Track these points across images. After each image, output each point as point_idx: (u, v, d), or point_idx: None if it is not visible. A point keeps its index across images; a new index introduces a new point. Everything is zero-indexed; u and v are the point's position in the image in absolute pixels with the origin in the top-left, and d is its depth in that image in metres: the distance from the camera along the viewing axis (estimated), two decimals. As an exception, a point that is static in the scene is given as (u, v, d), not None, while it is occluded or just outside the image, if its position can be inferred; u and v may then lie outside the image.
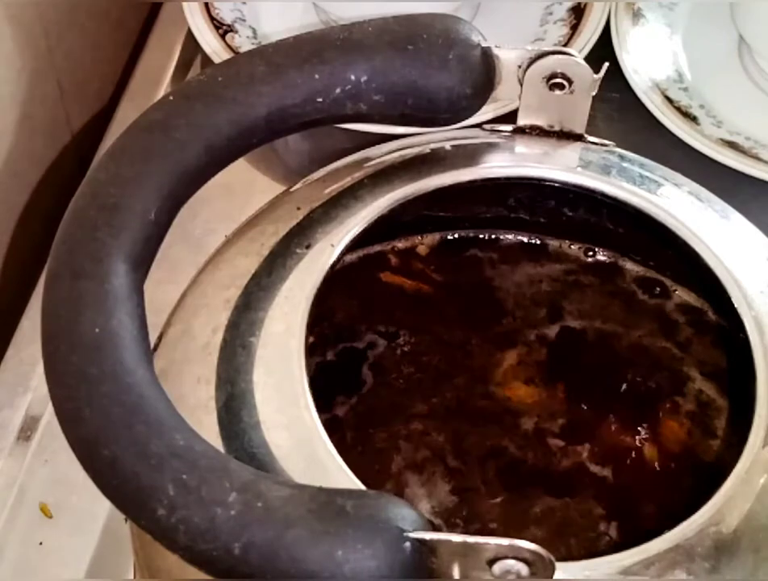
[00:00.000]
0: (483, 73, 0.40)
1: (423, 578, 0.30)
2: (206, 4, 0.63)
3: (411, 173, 0.41)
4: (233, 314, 0.38)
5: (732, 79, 0.62)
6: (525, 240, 0.46)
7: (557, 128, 0.43)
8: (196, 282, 0.41)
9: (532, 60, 0.40)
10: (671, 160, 0.45)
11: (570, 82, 0.41)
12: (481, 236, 0.46)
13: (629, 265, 0.46)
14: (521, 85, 0.41)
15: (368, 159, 0.43)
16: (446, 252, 0.47)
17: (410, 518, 0.30)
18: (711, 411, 0.43)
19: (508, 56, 0.41)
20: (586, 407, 0.43)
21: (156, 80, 0.65)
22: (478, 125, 0.45)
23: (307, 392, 0.35)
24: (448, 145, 0.43)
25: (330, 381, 0.44)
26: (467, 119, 0.41)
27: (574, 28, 0.61)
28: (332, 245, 0.39)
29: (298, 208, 0.41)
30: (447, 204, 0.44)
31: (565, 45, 0.60)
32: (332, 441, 0.34)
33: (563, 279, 0.46)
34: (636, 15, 0.62)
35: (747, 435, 0.35)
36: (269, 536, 0.29)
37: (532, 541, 0.29)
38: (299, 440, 0.35)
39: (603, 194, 0.41)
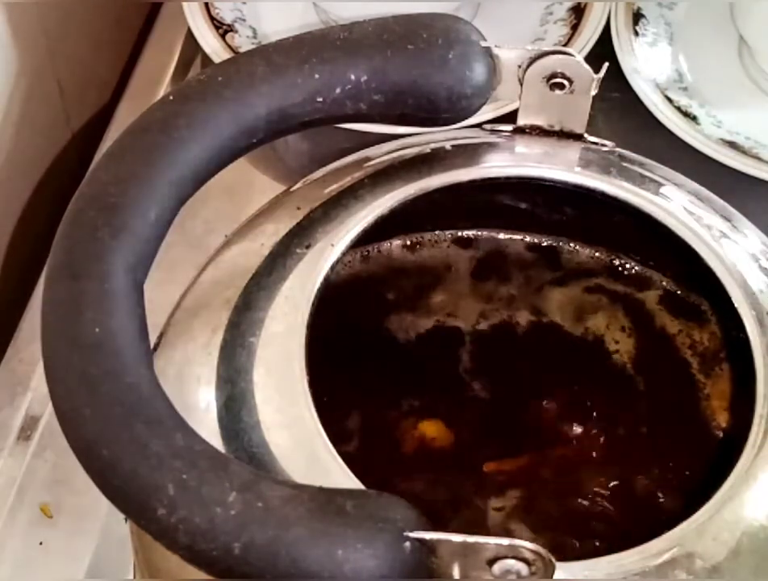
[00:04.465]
0: (483, 73, 0.40)
1: (423, 578, 0.30)
2: (206, 4, 0.63)
3: (411, 173, 0.41)
4: (233, 314, 0.38)
5: (732, 79, 0.62)
6: (524, 239, 0.46)
7: (557, 128, 0.43)
8: (196, 282, 0.41)
9: (532, 60, 0.40)
10: (671, 160, 0.45)
11: (570, 82, 0.41)
12: (480, 235, 0.46)
13: (630, 265, 0.46)
14: (521, 85, 0.41)
15: (368, 159, 0.43)
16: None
17: (410, 518, 0.30)
18: (711, 411, 0.43)
19: (508, 56, 0.41)
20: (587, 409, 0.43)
21: (156, 80, 0.65)
22: (478, 125, 0.45)
23: (307, 392, 0.35)
24: (448, 145, 0.43)
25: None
26: (467, 119, 0.41)
27: (574, 28, 0.61)
28: (332, 245, 0.39)
29: (298, 208, 0.41)
30: (447, 204, 0.44)
31: (565, 45, 0.60)
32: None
33: (559, 280, 0.46)
34: (636, 15, 0.62)
35: (747, 434, 0.35)
36: (269, 536, 0.29)
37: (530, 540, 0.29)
38: (299, 440, 0.35)
39: (603, 194, 0.41)
